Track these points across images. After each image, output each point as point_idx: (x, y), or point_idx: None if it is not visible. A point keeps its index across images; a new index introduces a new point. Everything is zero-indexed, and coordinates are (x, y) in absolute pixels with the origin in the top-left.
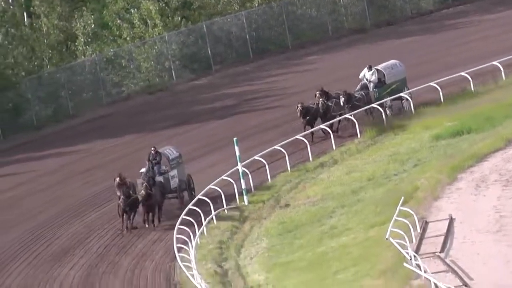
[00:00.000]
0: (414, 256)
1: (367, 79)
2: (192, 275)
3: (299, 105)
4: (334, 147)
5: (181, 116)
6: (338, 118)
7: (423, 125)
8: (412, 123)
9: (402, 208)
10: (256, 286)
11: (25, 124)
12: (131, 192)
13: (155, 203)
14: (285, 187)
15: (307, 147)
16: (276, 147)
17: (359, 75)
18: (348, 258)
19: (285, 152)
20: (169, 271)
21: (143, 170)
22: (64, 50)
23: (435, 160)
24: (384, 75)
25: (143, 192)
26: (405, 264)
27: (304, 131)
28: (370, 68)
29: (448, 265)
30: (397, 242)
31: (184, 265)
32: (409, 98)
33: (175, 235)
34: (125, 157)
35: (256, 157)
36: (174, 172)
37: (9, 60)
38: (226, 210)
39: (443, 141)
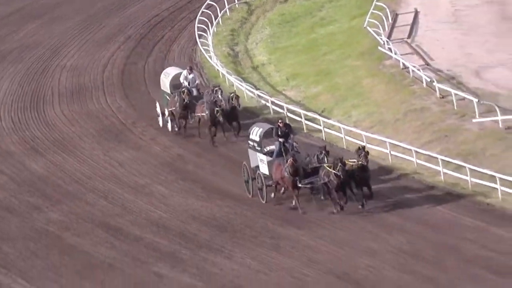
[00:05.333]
0: (387, 41)
1: (189, 83)
2: (210, 57)
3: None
4: None
5: None
6: None
7: None
8: None
9: (377, 3)
10: (261, 65)
11: None
12: None
13: None
14: None
15: None
16: None
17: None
18: (334, 43)
19: None
20: (192, 53)
21: None
22: None
23: None
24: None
25: None
26: (379, 48)
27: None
28: (191, 70)
29: (414, 49)
30: (373, 30)
31: (203, 48)
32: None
33: (196, 25)
34: None
35: None
36: None
37: None
38: (237, 4)
39: None
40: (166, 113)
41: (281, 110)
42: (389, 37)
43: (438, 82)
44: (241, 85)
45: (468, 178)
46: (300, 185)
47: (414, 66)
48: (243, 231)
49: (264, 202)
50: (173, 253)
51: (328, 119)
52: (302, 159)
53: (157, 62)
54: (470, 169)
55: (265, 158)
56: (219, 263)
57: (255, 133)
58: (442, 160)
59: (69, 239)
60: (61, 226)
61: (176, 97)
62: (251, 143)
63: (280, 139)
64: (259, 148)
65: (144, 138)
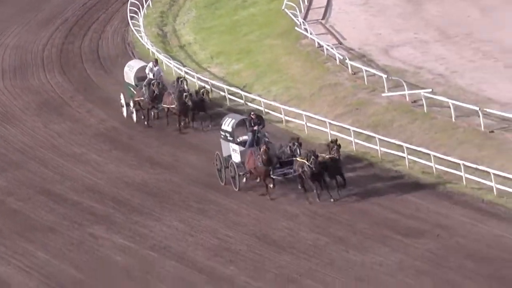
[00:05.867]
0: (303, 22)
1: (154, 75)
2: (141, 36)
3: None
4: None
5: None
6: None
7: None
8: None
9: None
10: (187, 44)
11: None
12: None
13: None
14: None
15: None
16: None
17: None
18: (255, 24)
19: None
20: (124, 33)
21: None
22: None
23: None
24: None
25: None
26: (296, 28)
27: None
28: (156, 63)
29: (328, 29)
30: (290, 12)
31: (135, 29)
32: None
33: (128, 7)
34: None
35: None
36: None
37: None
38: None
39: None
40: (131, 104)
41: (206, 86)
42: (305, 18)
43: (350, 59)
44: (169, 63)
45: (377, 147)
46: (273, 176)
47: (328, 45)
48: (172, 196)
49: (236, 189)
50: (107, 216)
51: (249, 93)
52: (275, 149)
53: (93, 42)
54: (379, 139)
55: (237, 147)
56: (150, 226)
57: (228, 123)
58: (354, 131)
59: (12, 204)
60: (5, 192)
61: (143, 88)
62: (223, 133)
63: (255, 127)
64: (231, 138)
65: (80, 111)
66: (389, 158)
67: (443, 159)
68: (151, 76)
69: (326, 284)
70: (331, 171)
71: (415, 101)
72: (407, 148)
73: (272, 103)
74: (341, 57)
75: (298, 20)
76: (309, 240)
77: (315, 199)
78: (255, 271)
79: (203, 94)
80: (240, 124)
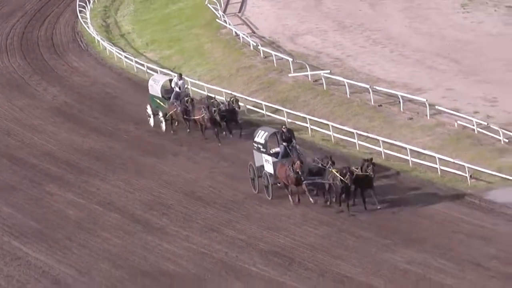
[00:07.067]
0: (223, 15)
1: (179, 88)
2: (88, 27)
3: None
4: None
5: None
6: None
7: None
8: None
9: None
10: (127, 33)
11: None
12: None
13: None
14: None
15: None
16: None
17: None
18: (183, 16)
19: None
20: (74, 24)
21: None
22: None
23: None
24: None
25: None
26: (217, 20)
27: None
28: (181, 77)
29: (243, 20)
30: (212, 7)
31: (83, 20)
32: None
33: (77, 2)
34: None
35: None
36: None
37: None
38: None
39: None
40: (160, 114)
41: (142, 68)
42: (224, 11)
43: (262, 46)
44: (111, 49)
45: (285, 119)
46: (305, 182)
47: (244, 34)
48: (114, 160)
49: (269, 198)
50: (61, 177)
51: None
52: (307, 161)
53: (48, 31)
54: (286, 112)
55: (270, 158)
56: (96, 185)
57: (260, 136)
58: (265, 105)
59: None
60: None
61: (175, 103)
62: (255, 145)
63: (284, 143)
64: (264, 150)
65: (38, 89)
66: (295, 128)
67: (339, 128)
68: (177, 89)
69: (243, 232)
70: (363, 187)
71: (316, 80)
72: (310, 119)
73: (197, 81)
74: (255, 44)
75: (219, 13)
76: (229, 196)
77: (345, 209)
78: (184, 222)
79: (233, 103)
80: (271, 136)
